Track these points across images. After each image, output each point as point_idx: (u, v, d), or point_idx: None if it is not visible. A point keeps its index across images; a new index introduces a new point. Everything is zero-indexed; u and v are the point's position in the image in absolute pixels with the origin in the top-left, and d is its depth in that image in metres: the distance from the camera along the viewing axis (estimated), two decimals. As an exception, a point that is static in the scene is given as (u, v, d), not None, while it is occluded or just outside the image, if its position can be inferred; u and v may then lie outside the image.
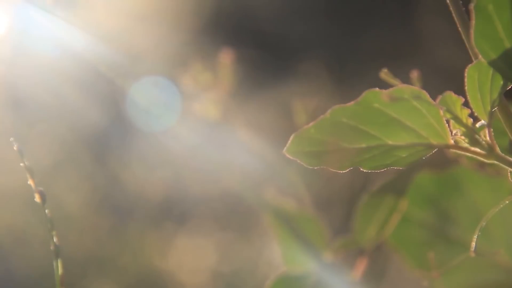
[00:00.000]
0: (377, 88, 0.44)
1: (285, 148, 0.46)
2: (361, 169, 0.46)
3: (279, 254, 0.71)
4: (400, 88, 0.44)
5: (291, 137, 0.46)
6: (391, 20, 1.78)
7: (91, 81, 1.41)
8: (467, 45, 0.46)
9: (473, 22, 0.43)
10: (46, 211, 0.51)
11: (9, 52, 1.37)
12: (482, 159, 0.46)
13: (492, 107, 0.45)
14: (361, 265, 0.67)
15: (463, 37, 0.46)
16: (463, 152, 0.46)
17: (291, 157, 0.46)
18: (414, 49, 1.74)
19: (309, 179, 0.72)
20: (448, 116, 0.45)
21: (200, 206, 1.64)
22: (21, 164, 0.50)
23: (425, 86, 0.46)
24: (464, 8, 0.47)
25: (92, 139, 1.69)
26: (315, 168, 0.46)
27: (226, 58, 0.77)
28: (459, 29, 0.47)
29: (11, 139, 0.50)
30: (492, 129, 0.46)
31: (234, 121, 0.78)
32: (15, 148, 0.50)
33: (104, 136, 1.67)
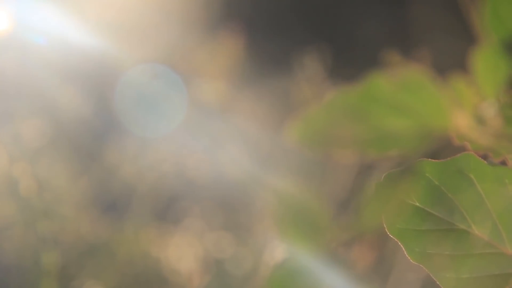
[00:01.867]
0: (380, 72, 0.44)
1: (287, 133, 0.45)
2: (365, 155, 0.45)
3: (279, 250, 0.70)
4: (404, 71, 0.44)
5: (293, 123, 0.45)
6: (389, 8, 1.78)
7: (85, 74, 1.41)
8: (474, 28, 0.45)
9: (483, 4, 0.42)
10: (40, 199, 0.50)
11: (4, 43, 1.36)
12: (489, 143, 0.45)
13: (500, 90, 0.44)
14: (364, 253, 0.66)
15: (472, 19, 0.45)
16: (470, 136, 0.45)
17: (293, 142, 0.45)
18: (413, 37, 1.74)
19: (311, 166, 0.71)
20: (455, 99, 0.44)
21: (198, 199, 1.64)
22: (16, 149, 0.49)
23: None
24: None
25: (86, 133, 1.68)
26: (317, 153, 0.45)
27: (230, 45, 0.76)
28: (466, 11, 0.46)
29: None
30: (500, 112, 0.45)
31: (235, 109, 0.77)
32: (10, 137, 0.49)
33: (99, 130, 1.66)
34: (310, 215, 0.68)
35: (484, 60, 0.43)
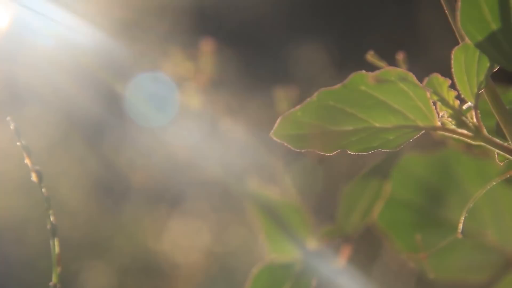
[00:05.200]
0: (363, 71, 0.44)
1: (272, 131, 0.46)
2: (348, 152, 0.46)
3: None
4: (386, 70, 0.44)
5: (278, 120, 0.45)
6: (392, 13, 1.77)
7: (88, 73, 1.41)
8: (453, 28, 0.46)
9: (459, 4, 0.43)
10: (43, 190, 0.50)
11: (8, 44, 1.37)
12: (468, 140, 0.46)
13: (478, 89, 0.45)
14: (346, 252, 0.67)
15: (450, 20, 0.46)
16: (450, 134, 0.46)
17: (278, 140, 0.46)
18: (414, 42, 1.73)
19: (294, 167, 0.71)
20: (435, 98, 0.45)
21: (193, 189, 1.64)
22: (18, 144, 0.49)
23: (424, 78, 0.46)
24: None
25: (88, 128, 1.69)
26: (302, 151, 0.46)
27: (208, 47, 0.76)
28: (446, 12, 0.47)
29: (8, 118, 0.50)
30: (478, 111, 0.46)
31: (222, 111, 0.78)
32: (11, 127, 0.49)
33: (100, 124, 1.67)
34: (292, 217, 0.68)
35: (460, 61, 0.44)
